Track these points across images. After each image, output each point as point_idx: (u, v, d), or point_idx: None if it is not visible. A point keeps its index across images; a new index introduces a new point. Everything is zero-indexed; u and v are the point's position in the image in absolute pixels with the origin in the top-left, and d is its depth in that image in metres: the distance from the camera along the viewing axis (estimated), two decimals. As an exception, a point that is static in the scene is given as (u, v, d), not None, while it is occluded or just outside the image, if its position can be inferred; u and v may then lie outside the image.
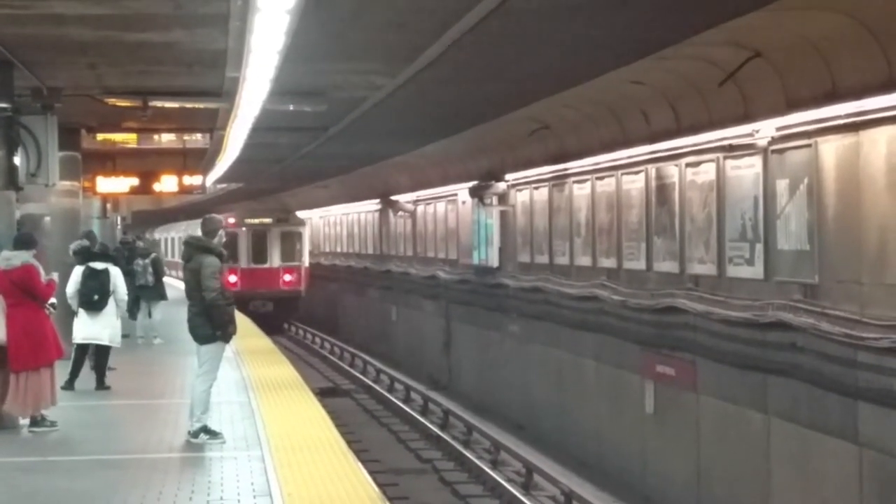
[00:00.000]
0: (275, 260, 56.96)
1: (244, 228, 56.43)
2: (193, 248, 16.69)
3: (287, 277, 56.93)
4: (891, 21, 14.22)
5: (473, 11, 14.48)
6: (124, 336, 24.41)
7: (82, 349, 20.88)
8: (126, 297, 21.57)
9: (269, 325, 47.03)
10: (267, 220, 57.52)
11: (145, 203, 63.98)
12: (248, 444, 15.88)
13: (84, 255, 21.24)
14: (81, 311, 20.34)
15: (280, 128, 27.78)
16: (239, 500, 12.67)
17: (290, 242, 57.59)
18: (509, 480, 23.99)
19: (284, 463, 14.45)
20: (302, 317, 60.26)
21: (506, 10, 14.27)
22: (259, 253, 56.76)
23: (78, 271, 20.47)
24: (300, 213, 60.89)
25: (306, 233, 59.23)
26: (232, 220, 54.20)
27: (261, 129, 26.24)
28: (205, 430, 15.95)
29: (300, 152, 36.32)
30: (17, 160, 18.19)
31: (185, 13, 14.50)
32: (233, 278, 51.43)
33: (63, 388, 19.25)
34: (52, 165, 18.76)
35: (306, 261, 57.83)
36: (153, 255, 36.45)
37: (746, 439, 18.71)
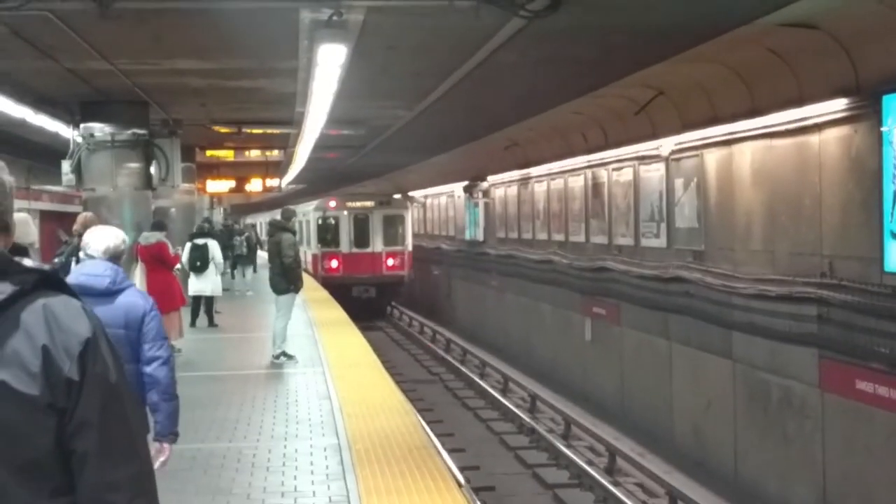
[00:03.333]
0: (377, 244, 39.23)
1: (345, 212, 39.49)
2: (276, 228, 16.82)
3: (390, 262, 39.15)
4: (752, 69, 14.23)
5: (466, 64, 14.50)
6: (226, 290, 24.45)
7: (196, 300, 20.93)
8: (222, 262, 21.59)
9: (372, 310, 37.94)
10: (369, 204, 39.80)
11: (240, 199, 61.86)
12: (313, 363, 15.94)
13: (191, 235, 21.33)
14: (192, 273, 20.37)
15: (331, 146, 27.78)
16: (308, 400, 12.75)
17: (393, 226, 39.71)
18: (492, 387, 24.04)
19: (338, 376, 14.52)
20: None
21: (488, 64, 14.29)
22: (361, 237, 39.31)
23: (188, 246, 20.52)
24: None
25: (409, 216, 40.84)
26: (333, 204, 39.80)
27: (318, 147, 26.25)
28: (283, 354, 16.02)
29: (345, 163, 36.32)
30: (152, 170, 18.28)
31: (267, 67, 14.56)
32: (334, 263, 38.87)
33: (190, 325, 19.40)
34: (176, 173, 18.86)
35: (409, 244, 39.99)
36: (246, 234, 36.62)
37: (655, 358, 18.75)
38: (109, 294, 6.28)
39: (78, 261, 8.30)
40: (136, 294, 6.54)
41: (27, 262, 2.73)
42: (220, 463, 9.64)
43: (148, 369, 6.28)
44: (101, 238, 6.51)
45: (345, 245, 39.17)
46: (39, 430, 2.59)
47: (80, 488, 2.64)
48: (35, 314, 2.62)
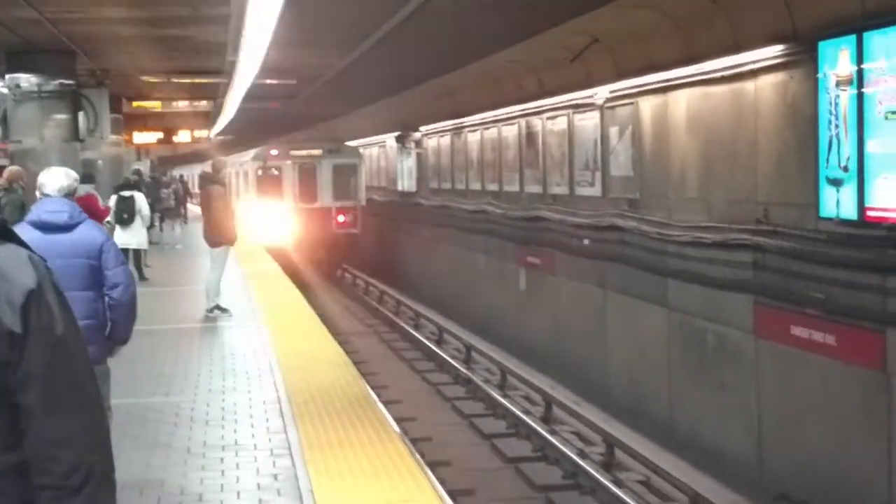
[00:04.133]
0: (325, 199, 34.76)
1: (289, 163, 34.80)
2: (206, 180, 16.63)
3: (341, 219, 34.59)
4: (688, 15, 14.25)
5: (399, 13, 14.39)
6: (154, 244, 24.15)
7: (123, 252, 20.59)
8: (149, 215, 21.28)
9: (321, 273, 35.30)
10: (316, 152, 35.08)
11: (167, 150, 60.38)
12: (247, 317, 15.80)
13: (116, 187, 21.02)
14: (117, 226, 20.03)
15: (262, 97, 27.52)
16: (245, 354, 12.62)
17: (344, 178, 34.84)
18: (427, 338, 24.06)
19: (274, 329, 14.41)
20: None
21: (420, 12, 14.18)
22: (307, 191, 34.63)
23: (113, 198, 20.20)
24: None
25: (363, 166, 36.18)
26: (274, 152, 35.44)
27: (249, 97, 26.01)
28: (218, 307, 15.87)
29: (275, 113, 35.97)
30: (80, 121, 17.98)
31: (199, 14, 14.31)
32: (277, 221, 33.65)
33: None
34: (104, 124, 18.59)
35: (362, 198, 35.37)
36: (173, 186, 36.26)
37: (590, 307, 18.84)
38: (69, 227, 6.94)
39: (22, 210, 9.23)
40: (92, 226, 7.25)
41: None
42: (157, 417, 9.54)
43: (113, 294, 6.99)
44: (55, 178, 7.14)
45: (289, 200, 34.62)
46: None
47: (27, 443, 2.60)
48: (-24, 265, 2.57)
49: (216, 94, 26.87)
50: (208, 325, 15.19)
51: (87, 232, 7.08)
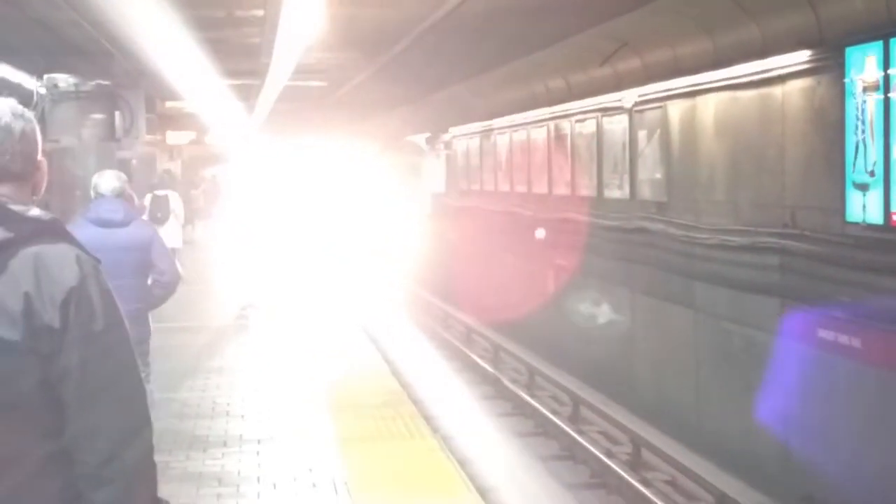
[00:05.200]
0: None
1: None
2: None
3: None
4: (715, 17, 14.39)
5: (432, 17, 14.57)
6: (188, 243, 24.38)
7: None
8: (182, 213, 21.56)
9: None
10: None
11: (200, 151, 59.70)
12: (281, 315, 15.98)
13: (150, 186, 21.28)
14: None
15: (293, 98, 27.72)
16: (280, 350, 12.83)
17: None
18: (456, 338, 24.09)
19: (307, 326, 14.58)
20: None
21: (450, 17, 14.37)
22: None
23: (148, 197, 20.48)
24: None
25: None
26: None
27: (281, 99, 26.22)
28: (251, 305, 16.11)
29: (304, 116, 36.15)
30: (116, 121, 18.27)
31: (235, 16, 14.53)
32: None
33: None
34: (140, 124, 18.87)
35: None
36: (203, 186, 36.57)
37: (619, 307, 18.96)
38: (124, 224, 7.89)
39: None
40: (143, 223, 8.41)
41: (32, 212, 2.85)
42: (194, 412, 9.77)
43: (163, 278, 8.07)
44: (108, 180, 8.05)
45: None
46: (21, 374, 2.70)
47: (67, 432, 2.77)
48: (25, 262, 2.74)
49: (248, 96, 27.09)
50: (243, 323, 15.41)
51: (139, 228, 8.12)
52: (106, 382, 2.78)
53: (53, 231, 2.85)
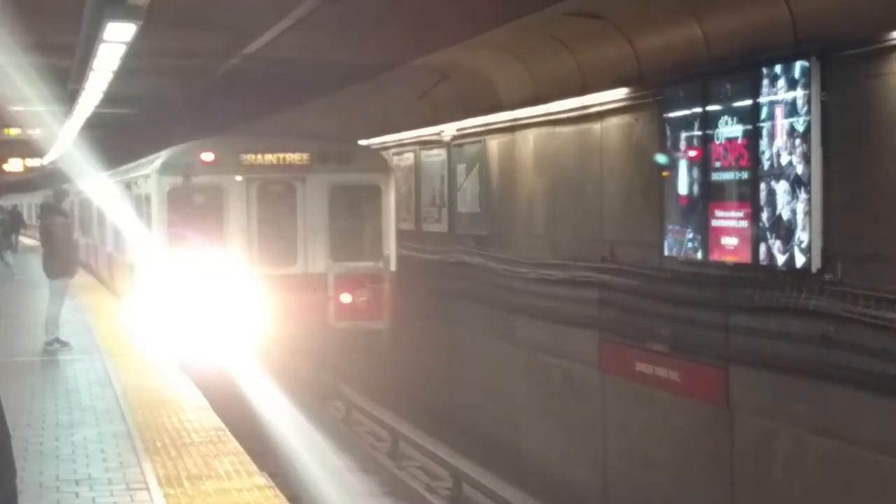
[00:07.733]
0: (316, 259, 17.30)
1: (240, 178, 17.12)
2: (47, 210, 16.45)
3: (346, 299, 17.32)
4: (535, 54, 14.62)
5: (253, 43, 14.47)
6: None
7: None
8: None
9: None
10: (296, 158, 17.38)
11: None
12: (88, 350, 15.61)
13: None
14: None
15: (102, 125, 27.15)
16: (89, 387, 12.51)
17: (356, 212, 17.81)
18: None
19: (118, 363, 14.28)
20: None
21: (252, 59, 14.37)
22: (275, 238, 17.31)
23: None
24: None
25: (392, 190, 17.78)
26: (209, 158, 17.06)
27: (89, 125, 25.62)
28: (57, 340, 15.65)
29: (113, 142, 35.43)
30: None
31: (45, 42, 14.17)
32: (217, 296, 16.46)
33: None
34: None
35: (392, 259, 17.58)
36: (0, 217, 35.53)
37: (438, 344, 19.01)
38: None
39: None
40: None
41: None
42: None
43: None
44: None
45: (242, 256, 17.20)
46: None
47: None
48: None
49: (54, 122, 26.39)
50: (49, 359, 14.96)
51: None
52: None
53: None
